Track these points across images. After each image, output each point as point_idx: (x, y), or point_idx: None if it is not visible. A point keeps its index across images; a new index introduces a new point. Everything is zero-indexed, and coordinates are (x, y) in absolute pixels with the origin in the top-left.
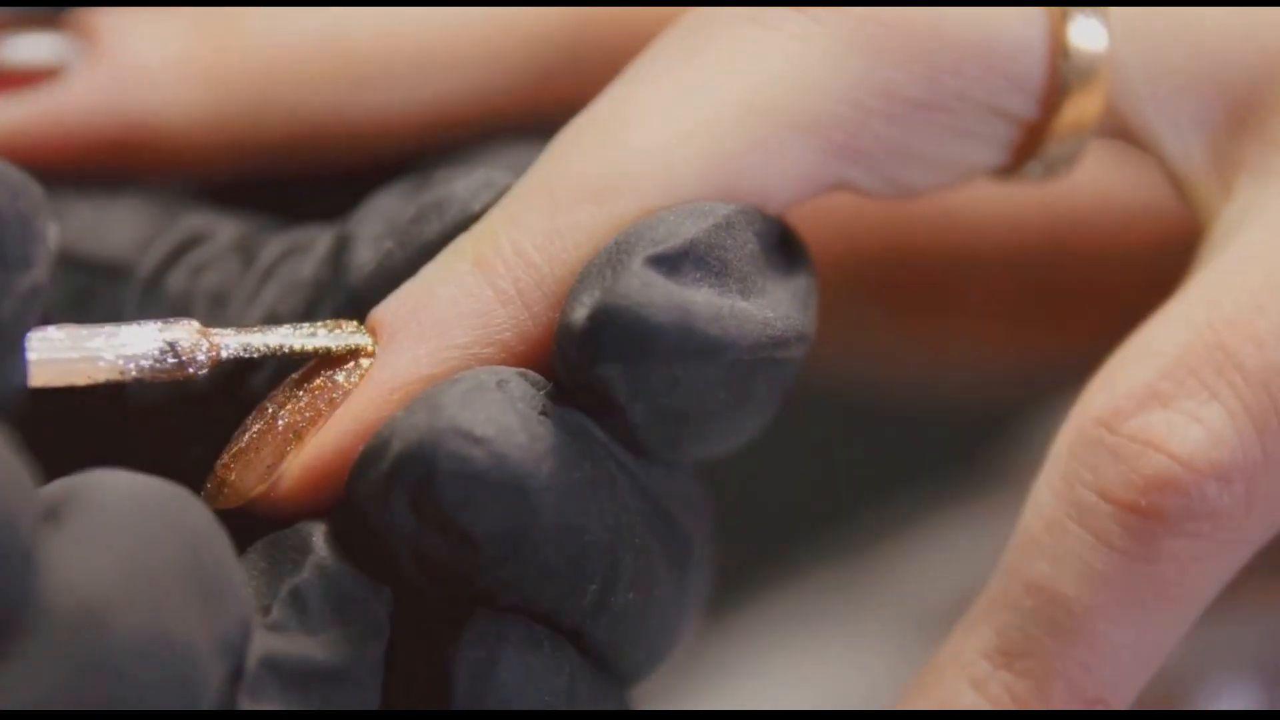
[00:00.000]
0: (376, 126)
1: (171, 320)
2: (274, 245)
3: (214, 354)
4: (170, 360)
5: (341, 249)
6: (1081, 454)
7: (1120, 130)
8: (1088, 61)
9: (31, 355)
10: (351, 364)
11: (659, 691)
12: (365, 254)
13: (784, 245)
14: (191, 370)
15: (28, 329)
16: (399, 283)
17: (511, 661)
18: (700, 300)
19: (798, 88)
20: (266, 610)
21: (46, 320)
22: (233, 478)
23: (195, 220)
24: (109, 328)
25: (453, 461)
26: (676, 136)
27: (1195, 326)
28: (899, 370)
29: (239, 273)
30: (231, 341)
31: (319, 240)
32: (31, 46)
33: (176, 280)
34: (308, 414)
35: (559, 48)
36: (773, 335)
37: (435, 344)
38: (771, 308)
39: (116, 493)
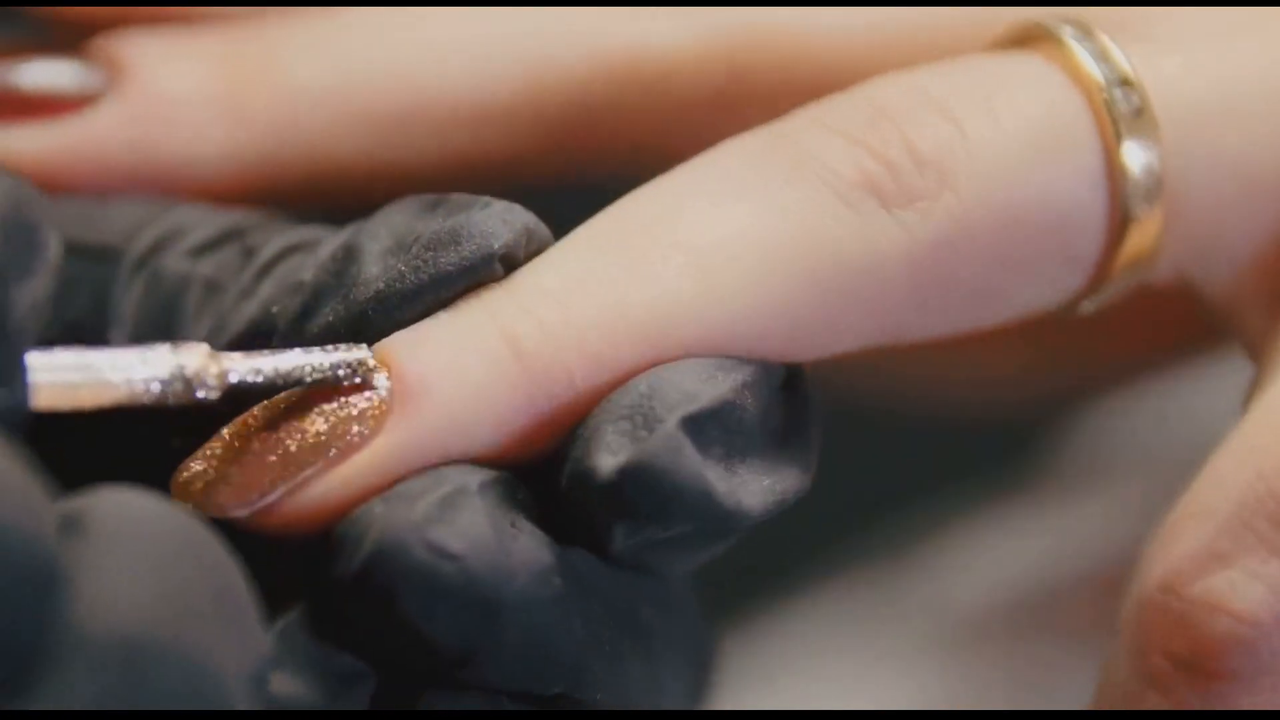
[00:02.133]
0: (398, 175)
1: (181, 344)
2: (275, 241)
3: (223, 379)
4: (179, 385)
5: (348, 259)
6: (1150, 623)
7: (1170, 272)
8: (1147, 242)
9: (35, 378)
10: (363, 405)
11: None
12: (373, 270)
13: (797, 400)
14: (201, 395)
15: (31, 343)
16: (406, 308)
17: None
18: (718, 480)
19: (860, 272)
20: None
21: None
22: (216, 484)
23: (189, 213)
24: (115, 351)
25: (421, 576)
26: (738, 289)
27: (1246, 479)
28: (919, 381)
29: (237, 264)
30: (240, 366)
31: (323, 243)
32: (53, 72)
33: (174, 261)
34: (310, 449)
35: (582, 102)
36: (775, 503)
37: (451, 439)
38: (778, 473)
39: (137, 516)
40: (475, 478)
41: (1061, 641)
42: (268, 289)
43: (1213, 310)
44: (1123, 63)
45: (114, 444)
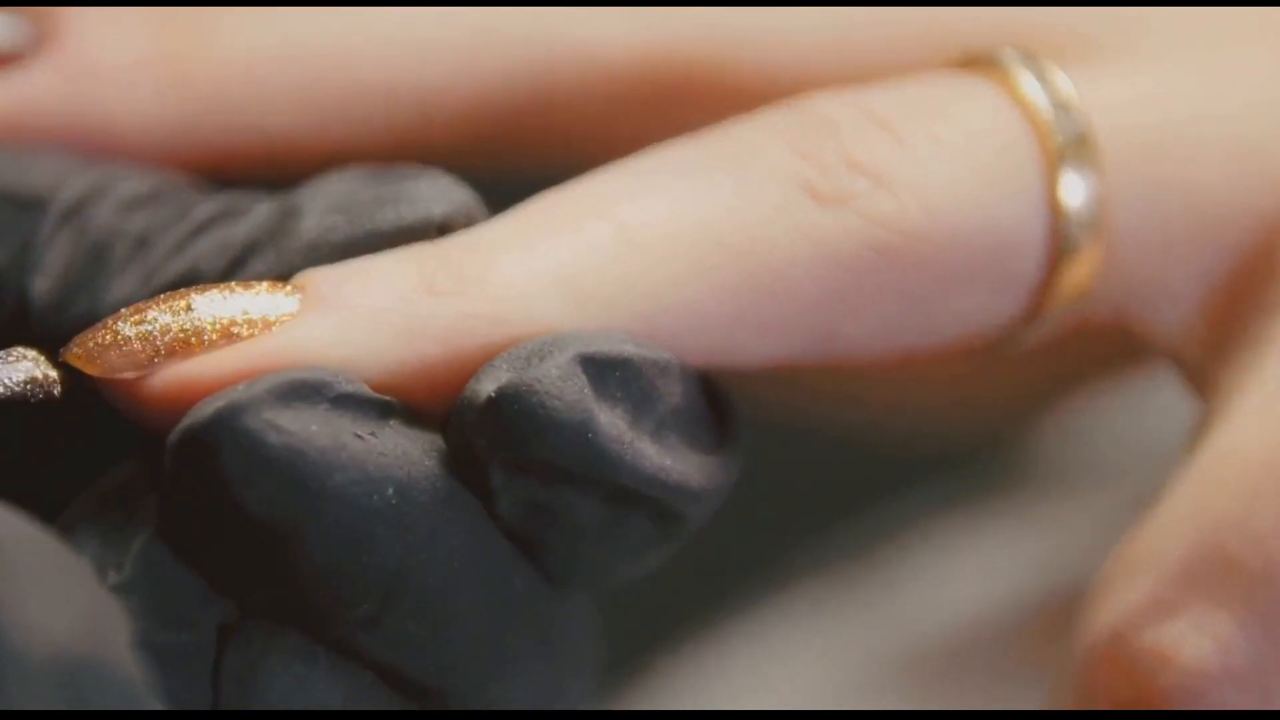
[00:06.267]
0: (332, 154)
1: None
2: (212, 202)
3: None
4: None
5: (285, 216)
6: (1097, 670)
7: (1111, 308)
8: (1085, 274)
9: None
10: (266, 303)
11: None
12: (309, 223)
13: (713, 415)
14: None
15: None
16: (336, 260)
17: (277, 670)
18: (609, 424)
19: (788, 261)
20: (119, 567)
21: None
22: (110, 348)
23: (117, 170)
24: None
25: (245, 438)
26: (666, 262)
27: (1191, 531)
28: (876, 402)
29: (170, 221)
30: None
31: (260, 206)
32: None
33: (104, 214)
34: (206, 333)
35: (520, 95)
36: (665, 482)
37: (347, 349)
38: (673, 459)
39: (32, 541)
40: (345, 385)
41: (1019, 663)
42: (200, 247)
43: (1157, 349)
44: (1065, 88)
45: None
